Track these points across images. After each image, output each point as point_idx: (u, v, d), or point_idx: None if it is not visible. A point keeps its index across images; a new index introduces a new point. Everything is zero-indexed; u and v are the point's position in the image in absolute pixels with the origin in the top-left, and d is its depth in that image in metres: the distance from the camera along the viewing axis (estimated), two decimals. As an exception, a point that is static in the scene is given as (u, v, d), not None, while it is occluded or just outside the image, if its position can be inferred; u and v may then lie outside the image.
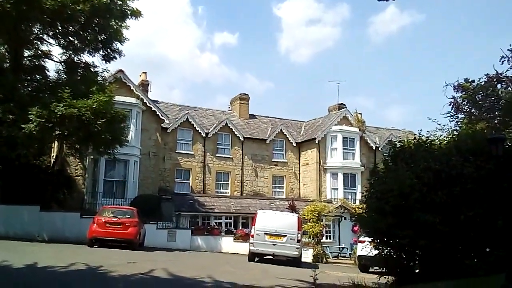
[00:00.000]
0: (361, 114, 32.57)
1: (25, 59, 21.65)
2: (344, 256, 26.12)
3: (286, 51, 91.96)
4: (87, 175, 24.87)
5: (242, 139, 30.48)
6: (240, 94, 34.30)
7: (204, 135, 29.36)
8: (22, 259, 11.05)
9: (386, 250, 9.58)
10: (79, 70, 21.74)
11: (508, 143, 10.26)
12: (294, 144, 32.21)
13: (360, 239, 18.74)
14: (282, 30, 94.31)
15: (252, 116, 34.18)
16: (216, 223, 25.87)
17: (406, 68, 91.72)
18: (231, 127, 30.31)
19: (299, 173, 32.15)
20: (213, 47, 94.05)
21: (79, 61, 22.00)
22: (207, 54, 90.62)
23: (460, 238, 8.39)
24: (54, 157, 25.13)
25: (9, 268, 9.83)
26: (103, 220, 17.35)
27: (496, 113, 16.75)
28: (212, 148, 29.79)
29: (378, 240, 9.78)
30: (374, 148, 32.12)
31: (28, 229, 19.24)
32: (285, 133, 32.11)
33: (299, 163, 32.26)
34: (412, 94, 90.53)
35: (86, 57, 22.06)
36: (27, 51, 21.56)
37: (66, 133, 19.15)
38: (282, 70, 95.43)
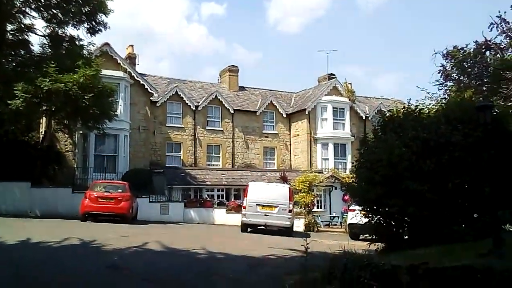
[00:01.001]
0: (351, 84, 32.50)
1: (8, 33, 21.10)
2: (335, 225, 26.57)
3: (275, 21, 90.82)
4: (77, 150, 24.72)
5: (232, 112, 30.36)
6: (229, 66, 33.94)
7: (194, 108, 29.17)
8: (15, 235, 11.09)
9: (375, 218, 9.75)
10: (64, 44, 21.26)
11: (496, 110, 10.35)
12: (285, 116, 32.18)
13: (350, 208, 19.05)
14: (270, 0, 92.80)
15: (242, 88, 33.95)
16: (208, 195, 26.05)
17: (396, 36, 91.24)
18: (221, 99, 30.13)
19: (290, 144, 32.24)
20: (201, 18, 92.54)
21: (63, 35, 21.49)
22: (195, 25, 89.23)
23: (448, 205, 8.54)
24: (42, 133, 24.88)
25: (2, 245, 9.88)
26: (95, 195, 17.38)
27: (485, 80, 16.82)
28: (202, 121, 29.66)
29: (368, 209, 9.95)
30: (364, 118, 32.22)
31: (20, 205, 19.25)
32: (275, 104, 32.01)
33: (290, 134, 32.32)
34: (402, 63, 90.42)
35: (70, 30, 21.55)
36: (9, 25, 20.98)
37: (53, 109, 18.95)
38: (271, 40, 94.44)
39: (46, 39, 21.31)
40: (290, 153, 32.20)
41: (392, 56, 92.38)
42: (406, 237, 9.51)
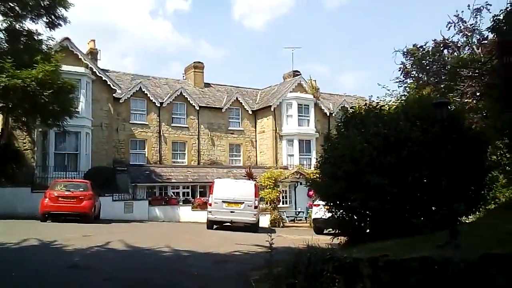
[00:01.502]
0: (315, 81, 32.92)
1: (-39, 27, 20.19)
2: (300, 220, 26.92)
3: (240, 17, 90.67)
4: (36, 149, 23.95)
5: (198, 108, 30.17)
6: (195, 62, 33.69)
7: (158, 105, 28.79)
8: (-30, 237, 10.66)
9: (339, 213, 9.92)
10: (22, 39, 20.51)
11: (452, 107, 10.73)
12: (250, 112, 32.25)
13: (315, 203, 19.33)
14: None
15: (208, 85, 33.77)
16: (173, 193, 25.82)
17: (360, 34, 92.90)
18: (186, 96, 29.87)
19: (256, 141, 32.36)
20: (166, 14, 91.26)
21: (21, 29, 20.71)
22: (160, 21, 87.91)
23: (407, 199, 8.80)
24: (-1, 131, 23.98)
25: (-44, 247, 9.48)
26: (56, 194, 16.92)
27: (442, 77, 17.34)
28: (167, 118, 29.32)
29: (332, 204, 10.10)
30: (328, 115, 32.70)
31: (-25, 206, 18.48)
32: (241, 101, 32.02)
33: (256, 131, 32.43)
34: (365, 61, 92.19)
35: (28, 25, 20.80)
36: (-38, 18, 20.09)
37: (10, 105, 18.33)
38: (237, 37, 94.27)
39: (3, 34, 20.50)
40: (256, 149, 32.32)
41: (355, 54, 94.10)
42: (368, 230, 9.74)
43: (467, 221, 9.88)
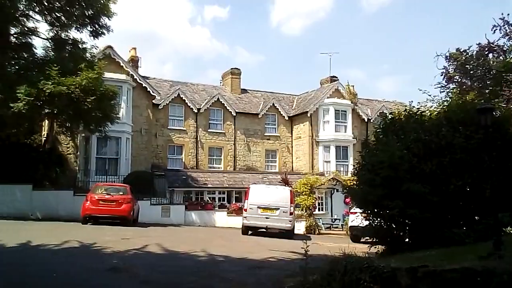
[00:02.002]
0: (353, 86, 32.48)
1: (12, 36, 21.18)
2: (336, 227, 26.51)
3: (278, 23, 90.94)
4: (79, 153, 24.76)
5: (234, 114, 30.38)
6: (232, 68, 33.98)
7: (196, 111, 29.20)
8: (15, 238, 11.10)
9: (376, 221, 9.72)
10: (67, 47, 21.32)
11: (497, 112, 10.32)
12: (286, 118, 32.18)
13: (351, 210, 18.98)
14: (274, 2, 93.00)
15: (244, 91, 33.97)
16: (209, 198, 26.03)
17: (399, 38, 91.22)
18: (223, 102, 30.15)
19: (292, 147, 32.22)
20: (204, 21, 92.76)
21: (66, 38, 21.55)
22: (198, 28, 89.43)
23: (449, 207, 8.52)
24: (45, 136, 24.92)
25: (2, 247, 9.88)
26: (97, 198, 17.38)
27: (487, 82, 16.77)
28: (204, 124, 29.68)
29: (369, 211, 9.91)
30: (366, 120, 32.18)
31: (21, 208, 19.25)
32: (277, 107, 32.02)
33: (292, 136, 32.31)
34: (405, 65, 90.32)
35: (73, 33, 21.61)
36: (13, 28, 21.05)
37: (55, 111, 19.00)
38: (274, 43, 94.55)
39: (49, 42, 21.39)
40: (292, 155, 32.17)
41: (394, 58, 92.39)
42: (407, 239, 9.47)
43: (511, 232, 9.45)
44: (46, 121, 23.61)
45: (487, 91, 16.74)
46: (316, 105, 30.83)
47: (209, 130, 29.77)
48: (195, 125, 29.31)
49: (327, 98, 31.21)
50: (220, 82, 35.14)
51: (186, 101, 28.95)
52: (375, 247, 9.91)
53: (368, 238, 11.40)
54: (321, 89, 33.32)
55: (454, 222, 8.65)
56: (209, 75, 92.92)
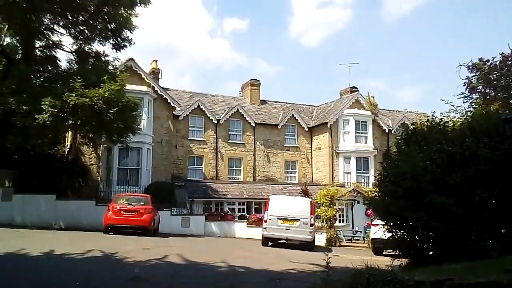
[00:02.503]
0: (373, 97, 32.26)
1: (37, 49, 21.79)
2: (358, 240, 26.18)
3: (296, 35, 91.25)
4: (101, 164, 25.14)
5: (254, 125, 30.48)
6: (251, 79, 34.18)
7: (215, 122, 29.40)
8: (39, 247, 11.27)
9: (399, 233, 9.56)
10: (90, 60, 21.82)
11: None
12: (306, 129, 32.11)
13: (373, 222, 18.75)
14: (292, 14, 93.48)
15: (263, 102, 34.08)
16: (229, 208, 26.06)
17: (419, 48, 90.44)
18: (242, 113, 30.29)
19: (312, 158, 32.10)
20: (223, 33, 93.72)
21: (89, 51, 22.07)
22: (218, 40, 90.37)
23: (474, 220, 8.34)
24: (68, 147, 25.44)
25: (26, 256, 10.05)
26: (118, 208, 17.56)
27: (511, 93, 16.48)
28: (224, 135, 29.84)
29: (391, 223, 9.76)
30: (387, 131, 31.88)
31: (45, 217, 19.61)
32: (296, 118, 32.00)
33: (311, 147, 32.20)
34: (425, 75, 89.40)
35: (96, 46, 22.14)
36: (38, 41, 21.67)
37: (79, 123, 19.32)
38: (293, 54, 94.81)
39: (73, 55, 21.92)
40: (312, 166, 32.03)
41: (415, 68, 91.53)
42: (431, 252, 9.28)
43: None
44: (70, 132, 24.09)
45: (511, 101, 16.44)
46: (336, 115, 30.70)
47: (228, 141, 29.90)
48: (215, 136, 29.48)
49: (347, 108, 31.05)
50: (240, 93, 35.35)
51: (206, 112, 29.19)
52: (398, 260, 9.73)
53: (390, 250, 11.20)
54: (341, 100, 33.18)
55: (480, 234, 8.46)
56: (228, 86, 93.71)
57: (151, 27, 70.44)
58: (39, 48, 21.93)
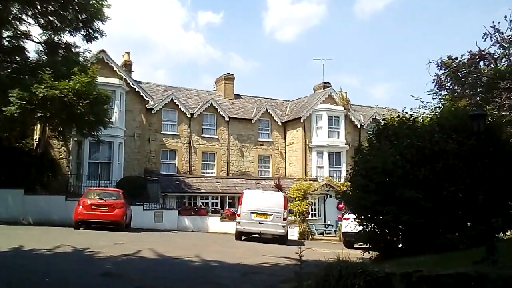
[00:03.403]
0: (346, 92, 32.64)
1: (4, 39, 21.10)
2: (330, 233, 26.55)
3: (271, 29, 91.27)
4: (71, 158, 24.60)
5: (228, 119, 30.40)
6: (225, 74, 34.04)
7: (189, 116, 29.18)
8: (7, 243, 11.00)
9: (370, 226, 9.75)
10: (60, 51, 21.31)
11: (489, 119, 10.43)
12: (280, 124, 32.25)
13: (345, 216, 19.03)
14: (267, 9, 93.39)
15: (238, 96, 34.02)
16: (202, 203, 25.97)
17: (391, 45, 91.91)
18: (216, 107, 30.16)
19: (285, 152, 32.28)
20: (198, 27, 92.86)
21: (59, 42, 21.54)
22: (192, 34, 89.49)
23: (442, 213, 8.58)
24: (37, 140, 24.78)
25: (-6, 252, 9.78)
26: (89, 202, 17.27)
27: (479, 90, 16.94)
28: (197, 129, 29.65)
29: (363, 217, 9.94)
30: (359, 127, 32.34)
31: (13, 212, 19.11)
32: (270, 112, 32.09)
33: (285, 142, 32.37)
34: (397, 72, 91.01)
35: (66, 37, 21.63)
36: (5, 31, 20.99)
37: (48, 115, 18.90)
38: (267, 49, 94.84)
39: (42, 46, 21.34)
40: (285, 161, 32.22)
41: (386, 65, 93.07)
42: (400, 245, 9.51)
43: (504, 238, 9.53)
44: (38, 125, 23.47)
45: (478, 98, 16.92)
46: (309, 111, 30.93)
47: (202, 135, 29.75)
48: (188, 130, 29.27)
49: (320, 104, 31.33)
50: (214, 88, 35.17)
51: (180, 106, 28.93)
52: (369, 253, 9.94)
53: (361, 243, 11.43)
54: (314, 95, 33.45)
55: (447, 227, 8.72)
56: (203, 80, 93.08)
57: (124, 19, 69.20)
58: (7, 38, 21.24)
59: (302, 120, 30.74)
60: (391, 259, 8.31)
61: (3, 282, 6.62)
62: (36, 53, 21.29)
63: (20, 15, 20.68)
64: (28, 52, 21.42)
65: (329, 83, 34.15)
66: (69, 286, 6.66)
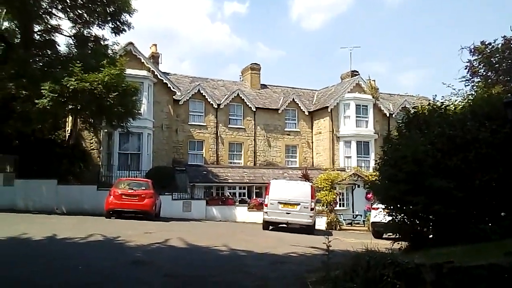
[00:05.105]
0: (374, 81, 32.13)
1: (35, 34, 21.64)
2: (358, 223, 26.34)
3: (298, 18, 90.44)
4: (101, 148, 25.17)
5: (254, 109, 30.40)
6: (251, 64, 33.99)
7: (216, 106, 29.33)
8: (42, 231, 11.36)
9: (399, 217, 9.58)
10: (89, 44, 21.71)
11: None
12: (307, 113, 32.05)
13: (373, 206, 18.84)
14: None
15: (264, 86, 33.95)
16: (230, 193, 26.18)
17: (421, 32, 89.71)
18: (242, 97, 30.20)
19: (312, 142, 32.10)
20: (224, 17, 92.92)
21: (89, 35, 21.95)
22: (218, 24, 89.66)
23: (474, 203, 8.34)
24: (68, 132, 25.45)
25: (29, 240, 10.13)
26: (119, 192, 17.65)
27: (513, 76, 16.40)
28: (224, 119, 29.80)
29: (392, 207, 9.78)
30: (387, 115, 31.82)
31: (47, 202, 19.74)
32: (297, 102, 31.90)
33: (312, 132, 32.18)
34: (427, 59, 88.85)
35: (95, 30, 22.10)
36: (36, 26, 21.53)
37: (79, 107, 19.32)
38: (294, 38, 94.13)
39: (72, 39, 21.79)
40: (312, 151, 32.05)
41: (416, 52, 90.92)
42: (431, 236, 9.33)
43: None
44: (70, 117, 24.07)
45: (513, 84, 16.36)
46: (336, 100, 30.61)
47: (229, 126, 29.89)
48: (215, 121, 29.45)
49: (347, 92, 30.95)
50: (240, 78, 35.20)
51: (206, 97, 29.10)
52: (398, 243, 9.79)
53: (390, 234, 11.28)
54: (342, 84, 33.05)
55: (480, 218, 8.48)
56: (229, 71, 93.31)
57: (150, 11, 69.85)
58: (38, 32, 21.78)
59: (329, 110, 30.46)
60: (420, 249, 8.16)
61: (37, 268, 6.84)
62: (66, 46, 21.80)
63: (50, 9, 21.14)
64: (58, 45, 21.98)
65: (357, 72, 33.68)
66: (101, 274, 6.82)
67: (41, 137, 22.80)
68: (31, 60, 19.94)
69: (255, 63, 34.07)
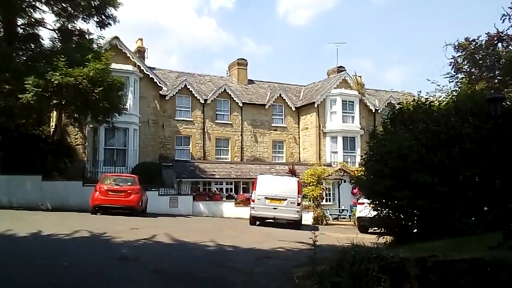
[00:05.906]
0: (360, 76, 32.29)
1: (19, 27, 21.27)
2: (344, 218, 26.54)
3: (284, 13, 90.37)
4: (87, 144, 24.90)
5: (241, 105, 30.36)
6: (238, 59, 33.89)
7: (202, 102, 29.22)
8: (27, 228, 11.24)
9: (384, 211, 9.70)
10: (74, 38, 21.41)
11: (507, 102, 10.23)
12: (294, 109, 32.11)
13: (359, 201, 19.01)
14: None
15: (251, 81, 33.91)
16: (217, 188, 26.15)
17: (407, 28, 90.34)
18: (229, 93, 30.13)
19: (299, 138, 32.20)
20: (210, 11, 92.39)
21: (73, 29, 21.65)
22: (205, 19, 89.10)
23: (458, 198, 8.49)
24: (53, 127, 25.10)
25: (14, 237, 10.02)
26: (105, 188, 17.52)
27: (496, 72, 16.63)
28: (211, 115, 29.71)
29: (377, 202, 9.89)
30: (373, 111, 32.04)
31: (31, 198, 19.50)
32: (284, 97, 31.94)
33: (299, 127, 32.26)
34: (412, 55, 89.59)
35: (80, 24, 21.73)
36: (20, 19, 21.15)
37: (63, 102, 19.08)
38: (281, 33, 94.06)
39: (56, 33, 21.48)
40: (299, 146, 32.16)
41: (402, 48, 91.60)
42: (415, 230, 9.46)
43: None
44: (54, 112, 23.75)
45: (496, 81, 16.60)
46: (323, 95, 30.71)
47: (216, 121, 29.81)
48: (202, 116, 29.35)
49: (334, 88, 31.07)
50: (227, 73, 35.08)
51: (193, 92, 28.97)
52: (383, 238, 9.92)
53: (376, 228, 11.39)
54: (328, 80, 33.16)
55: (463, 212, 8.62)
56: (216, 66, 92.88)
57: (136, 5, 69.16)
58: (21, 26, 21.41)
59: (316, 105, 30.55)
60: (405, 244, 8.28)
61: (22, 266, 6.77)
62: (50, 40, 21.48)
63: (34, 3, 20.79)
64: (42, 39, 21.63)
65: (343, 67, 33.84)
66: (87, 270, 6.79)
67: (25, 132, 22.46)
68: (14, 54, 19.59)
69: (242, 59, 34.00)
